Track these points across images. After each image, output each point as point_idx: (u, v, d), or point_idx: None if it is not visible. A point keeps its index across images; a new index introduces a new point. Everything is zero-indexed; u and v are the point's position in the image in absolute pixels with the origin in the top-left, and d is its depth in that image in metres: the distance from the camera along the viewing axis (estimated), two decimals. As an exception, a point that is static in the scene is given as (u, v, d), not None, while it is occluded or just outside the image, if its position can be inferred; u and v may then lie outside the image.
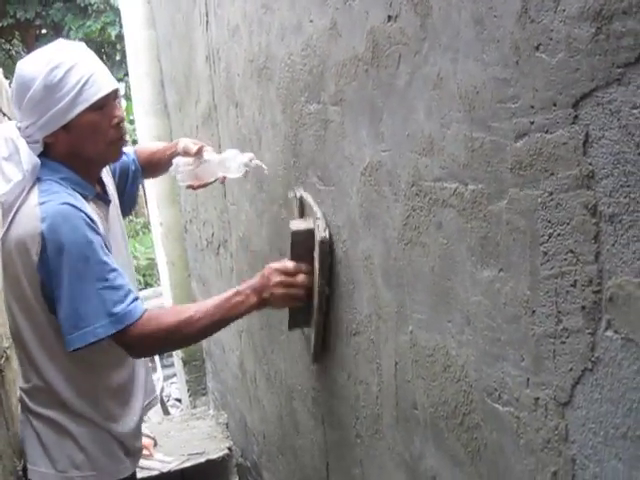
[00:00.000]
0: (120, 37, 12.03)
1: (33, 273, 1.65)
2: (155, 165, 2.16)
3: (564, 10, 0.83)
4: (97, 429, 1.81)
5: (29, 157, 1.68)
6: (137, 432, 1.95)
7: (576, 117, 0.84)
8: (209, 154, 1.97)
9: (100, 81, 1.69)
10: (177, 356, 4.58)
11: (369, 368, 1.55)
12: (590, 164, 0.83)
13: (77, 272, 1.62)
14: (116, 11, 11.47)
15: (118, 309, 1.64)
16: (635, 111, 0.75)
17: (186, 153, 1.96)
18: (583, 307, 0.87)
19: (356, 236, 1.53)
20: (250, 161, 1.89)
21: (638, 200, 0.77)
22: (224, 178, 1.97)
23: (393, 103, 1.27)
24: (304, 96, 1.73)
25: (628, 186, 0.78)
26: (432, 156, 1.17)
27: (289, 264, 1.75)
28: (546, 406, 0.97)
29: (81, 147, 1.72)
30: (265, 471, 2.85)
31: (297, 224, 1.77)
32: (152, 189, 4.49)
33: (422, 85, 1.17)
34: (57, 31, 13.05)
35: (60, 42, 1.76)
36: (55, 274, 1.62)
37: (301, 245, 1.74)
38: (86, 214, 1.66)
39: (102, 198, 1.85)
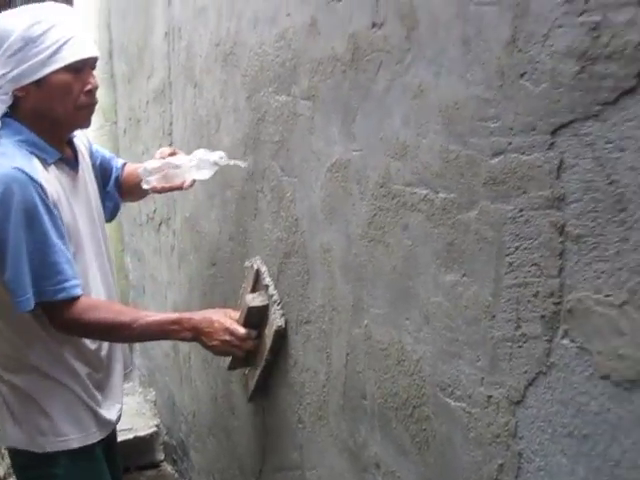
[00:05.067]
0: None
1: None
2: (132, 185, 2.15)
3: (552, 45, 0.90)
4: (67, 395, 1.82)
5: None
6: (113, 402, 1.97)
7: (552, 144, 0.91)
8: (180, 159, 1.99)
9: (80, 45, 1.70)
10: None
11: (318, 357, 1.61)
12: (562, 187, 0.90)
13: (18, 239, 1.62)
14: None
15: (43, 285, 1.65)
16: (609, 145, 0.83)
17: (161, 157, 2.00)
18: (543, 316, 0.96)
19: (316, 229, 1.58)
20: (220, 159, 1.92)
21: (603, 225, 0.85)
22: (192, 182, 1.99)
23: (369, 106, 1.33)
24: (272, 87, 1.77)
25: (596, 211, 0.86)
26: (405, 161, 1.23)
27: (241, 331, 1.82)
28: (498, 404, 1.05)
29: (49, 106, 1.71)
30: (193, 450, 2.89)
31: (253, 300, 1.84)
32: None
33: (401, 93, 1.23)
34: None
35: (47, 3, 1.76)
36: (1, 238, 1.62)
37: (255, 318, 1.83)
38: (37, 182, 1.64)
39: (69, 163, 1.83)
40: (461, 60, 1.07)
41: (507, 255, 1.01)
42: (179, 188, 2.00)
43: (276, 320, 1.78)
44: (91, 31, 4.26)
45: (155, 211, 3.29)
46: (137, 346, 4.09)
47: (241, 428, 2.22)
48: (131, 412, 3.11)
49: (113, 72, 4.18)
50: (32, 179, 1.63)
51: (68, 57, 1.67)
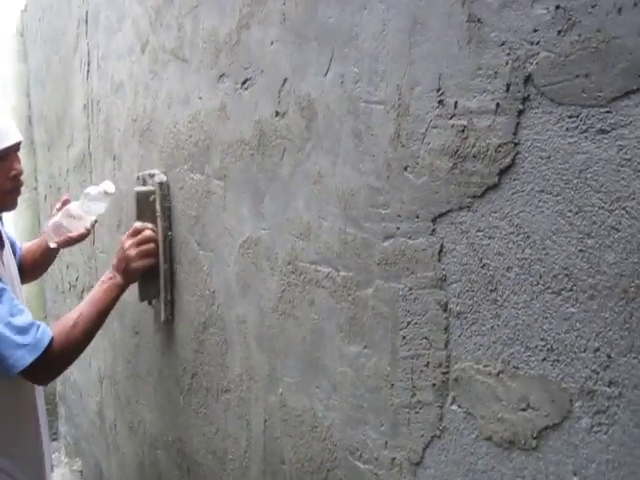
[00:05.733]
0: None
1: None
2: (33, 261, 2.24)
3: (429, 143, 1.02)
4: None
5: None
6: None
7: (434, 230, 1.02)
8: (73, 206, 2.09)
9: (3, 134, 1.77)
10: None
11: (238, 424, 1.67)
12: (443, 269, 1.01)
13: None
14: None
15: (29, 339, 1.67)
16: (479, 233, 0.95)
17: (56, 211, 2.12)
18: (434, 384, 1.05)
19: (231, 301, 1.65)
20: (109, 187, 2.05)
21: (479, 303, 0.96)
22: (94, 222, 2.09)
23: (275, 189, 1.43)
24: (187, 164, 1.86)
25: (472, 291, 0.97)
26: (309, 241, 1.33)
27: (136, 224, 1.94)
28: (401, 465, 1.13)
29: None
30: (120, 519, 2.86)
31: (140, 187, 2.01)
32: (15, 224, 4.39)
33: (303, 178, 1.33)
34: None
35: None
36: None
37: (144, 205, 1.95)
38: None
39: None
40: (354, 151, 1.18)
41: (401, 329, 1.10)
42: (85, 235, 2.11)
43: (158, 178, 1.94)
44: (10, 99, 4.29)
45: (77, 279, 3.30)
46: (62, 412, 4.03)
47: (167, 496, 2.24)
48: (56, 484, 3.05)
49: (33, 138, 4.20)
50: None
51: None
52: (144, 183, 2.06)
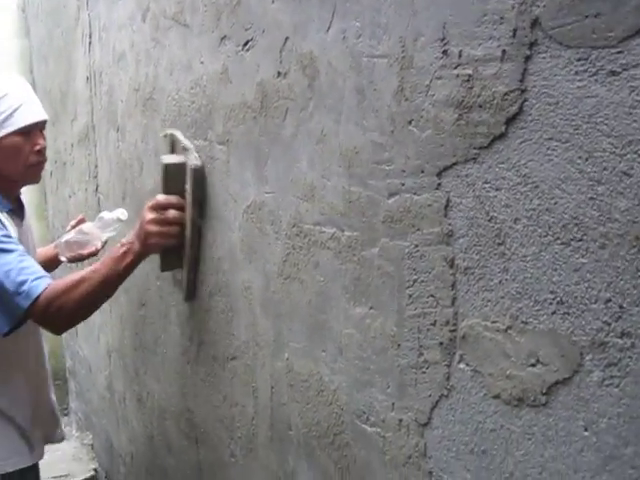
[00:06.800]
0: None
1: None
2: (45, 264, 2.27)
3: (433, 95, 0.99)
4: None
5: None
6: (36, 419, 2.07)
7: (439, 184, 1.00)
8: (87, 226, 2.20)
9: (29, 110, 1.90)
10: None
11: (245, 391, 1.66)
12: (449, 224, 0.99)
13: None
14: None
15: (23, 287, 1.75)
16: (486, 185, 0.92)
17: (71, 227, 2.26)
18: (441, 343, 1.03)
19: (236, 268, 1.64)
20: (122, 215, 2.13)
21: (487, 257, 0.94)
22: (104, 243, 2.21)
23: (278, 151, 1.40)
24: (190, 131, 1.83)
25: (479, 245, 0.94)
26: (313, 202, 1.30)
27: (160, 197, 1.79)
28: (408, 427, 1.12)
29: (2, 165, 1.91)
30: (131, 491, 2.88)
31: (169, 158, 1.81)
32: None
33: (306, 138, 1.30)
34: None
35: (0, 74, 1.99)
36: None
37: (173, 179, 1.78)
38: None
39: (17, 214, 2.02)
40: (357, 108, 1.15)
41: (407, 288, 1.08)
42: (94, 254, 2.22)
43: (192, 164, 1.73)
44: (13, 74, 4.27)
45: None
46: (72, 388, 4.04)
47: (177, 466, 2.24)
48: (68, 458, 3.08)
49: (37, 115, 4.17)
50: None
51: (19, 122, 1.88)
52: (172, 146, 1.89)
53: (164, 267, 1.95)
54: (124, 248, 1.80)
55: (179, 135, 1.86)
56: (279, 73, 1.37)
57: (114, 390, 2.99)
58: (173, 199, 1.79)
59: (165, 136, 1.96)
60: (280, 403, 1.51)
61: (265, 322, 1.53)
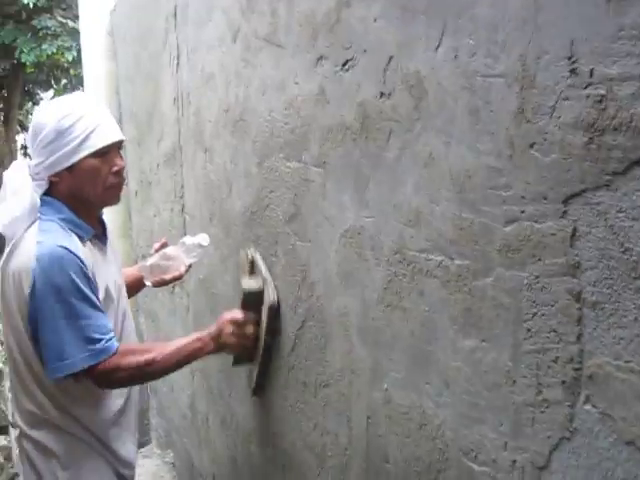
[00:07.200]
0: (74, 62, 11.86)
1: (23, 305, 1.78)
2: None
3: (559, 117, 0.92)
4: (84, 448, 1.92)
5: (31, 197, 1.84)
6: (128, 444, 2.06)
7: (565, 212, 0.93)
8: (171, 250, 2.22)
9: (105, 131, 1.86)
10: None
11: (338, 420, 1.61)
12: (576, 255, 0.92)
13: (61, 309, 1.75)
14: (72, 35, 11.24)
15: (97, 345, 1.77)
16: (621, 214, 0.85)
17: (155, 251, 2.26)
18: (563, 382, 0.96)
19: (332, 293, 1.59)
20: (204, 240, 2.18)
21: (619, 292, 0.86)
22: (188, 268, 2.24)
23: (380, 174, 1.36)
24: (283, 153, 1.81)
25: (611, 279, 0.87)
26: (418, 228, 1.25)
27: (239, 315, 1.97)
28: (523, 468, 1.05)
29: (81, 188, 1.87)
30: (212, 513, 2.86)
31: (248, 283, 2.01)
32: (106, 218, 4.48)
33: (412, 161, 1.25)
34: (7, 53, 12.77)
35: (75, 94, 2.02)
36: (41, 309, 1.75)
37: (251, 301, 1.98)
38: (78, 257, 1.78)
39: (100, 238, 1.99)
40: (470, 130, 1.10)
41: (525, 321, 1.02)
42: (178, 279, 2.25)
43: (269, 298, 1.90)
44: (102, 98, 4.37)
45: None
46: (154, 404, 4.08)
47: (262, 492, 2.21)
48: (148, 475, 3.08)
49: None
50: (75, 256, 1.78)
51: (95, 144, 1.83)
52: (252, 266, 2.04)
53: (236, 362, 2.14)
54: (199, 344, 1.92)
55: (259, 259, 2.01)
56: (382, 94, 1.33)
57: (197, 410, 2.98)
58: (251, 316, 1.97)
59: (245, 255, 2.07)
60: (377, 434, 1.45)
61: (362, 350, 1.48)
